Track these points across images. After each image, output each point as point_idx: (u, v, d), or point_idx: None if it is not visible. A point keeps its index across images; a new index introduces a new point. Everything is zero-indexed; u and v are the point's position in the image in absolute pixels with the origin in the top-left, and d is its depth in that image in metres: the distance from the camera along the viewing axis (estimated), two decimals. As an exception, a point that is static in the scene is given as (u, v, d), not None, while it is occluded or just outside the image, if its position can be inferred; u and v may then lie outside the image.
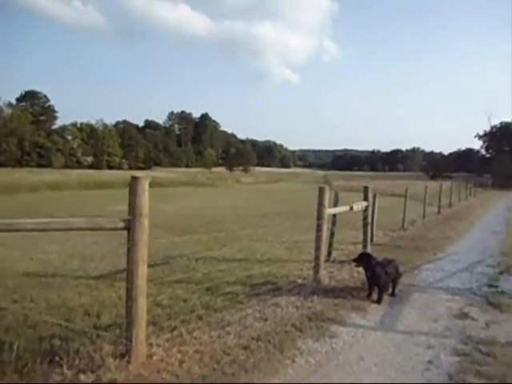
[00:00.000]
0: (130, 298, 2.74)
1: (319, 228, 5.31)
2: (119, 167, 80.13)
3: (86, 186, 29.27)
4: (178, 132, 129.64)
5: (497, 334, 3.86)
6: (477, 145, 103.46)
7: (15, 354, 2.78)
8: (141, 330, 2.79)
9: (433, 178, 67.69)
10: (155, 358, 2.87)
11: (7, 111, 71.49)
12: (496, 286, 5.59)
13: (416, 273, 6.26)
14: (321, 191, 5.36)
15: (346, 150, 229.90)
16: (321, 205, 5.31)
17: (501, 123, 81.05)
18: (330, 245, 6.98)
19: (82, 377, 2.55)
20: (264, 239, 9.03)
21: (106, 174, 43.84)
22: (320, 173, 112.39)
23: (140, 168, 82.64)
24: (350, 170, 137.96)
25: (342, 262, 6.52)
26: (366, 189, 7.13)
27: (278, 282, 5.23)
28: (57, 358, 2.71)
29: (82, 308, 4.19)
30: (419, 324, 4.09)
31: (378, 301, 4.67)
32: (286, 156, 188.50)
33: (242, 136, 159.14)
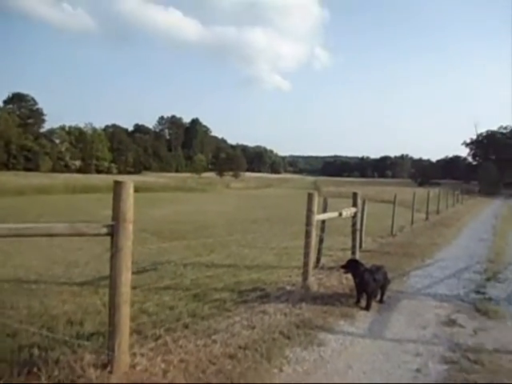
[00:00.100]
0: (112, 306, 2.65)
1: (308, 234, 5.28)
2: (108, 171, 79.38)
3: (73, 190, 28.85)
4: (168, 137, 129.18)
5: (484, 341, 3.86)
6: (464, 152, 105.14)
7: (-9, 365, 2.68)
8: (124, 339, 2.70)
9: (421, 184, 68.50)
10: (138, 367, 2.79)
11: (-6, 114, 70.41)
12: (483, 293, 5.62)
13: (404, 279, 6.26)
14: (310, 197, 5.33)
15: (336, 156, 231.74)
16: (310, 211, 5.29)
17: (487, 131, 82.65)
18: (319, 251, 6.95)
19: (61, 388, 2.46)
20: (253, 245, 8.97)
21: (94, 178, 43.39)
22: (310, 179, 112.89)
23: (129, 172, 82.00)
24: (340, 176, 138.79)
25: (330, 268, 6.49)
26: (355, 195, 7.14)
27: (266, 288, 5.17)
28: (35, 369, 2.60)
29: (65, 316, 4.07)
30: (407, 331, 4.07)
31: (367, 308, 4.64)
32: (276, 162, 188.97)
33: (232, 141, 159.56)
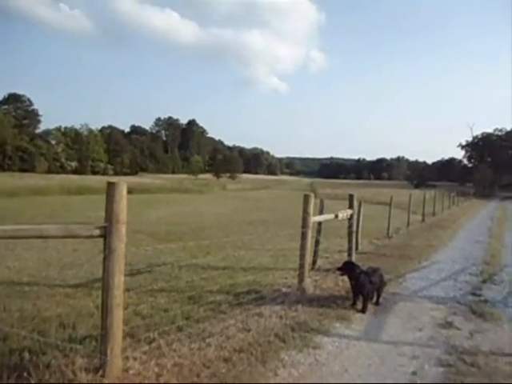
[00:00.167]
0: (105, 309, 2.61)
1: (304, 236, 5.25)
2: (104, 173, 79.08)
3: (68, 191, 28.70)
4: (164, 138, 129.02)
5: (480, 344, 3.85)
6: (459, 154, 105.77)
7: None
8: (116, 342, 2.66)
9: (417, 186, 68.78)
10: (131, 372, 2.74)
11: (-11, 114, 69.97)
12: (479, 295, 5.61)
13: (401, 281, 6.25)
14: (306, 199, 5.31)
15: (332, 158, 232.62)
16: (306, 213, 5.26)
17: (482, 134, 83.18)
18: (315, 253, 6.93)
19: (52, 393, 2.41)
20: (249, 247, 8.94)
21: (90, 180, 43.19)
22: (307, 180, 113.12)
23: (126, 174, 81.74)
24: (337, 178, 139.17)
25: (327, 270, 6.47)
26: (351, 197, 7.13)
27: (262, 290, 5.14)
28: (25, 373, 2.55)
29: (58, 318, 4.01)
30: (404, 334, 4.05)
31: (363, 310, 4.62)
32: (272, 163, 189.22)
33: (229, 143, 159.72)
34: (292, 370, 3.10)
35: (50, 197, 25.59)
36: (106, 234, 2.58)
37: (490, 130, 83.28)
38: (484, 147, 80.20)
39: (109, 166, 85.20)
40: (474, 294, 5.64)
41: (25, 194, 25.40)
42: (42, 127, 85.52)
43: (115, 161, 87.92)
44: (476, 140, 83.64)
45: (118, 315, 2.65)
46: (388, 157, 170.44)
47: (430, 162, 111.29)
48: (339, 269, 4.99)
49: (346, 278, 5.02)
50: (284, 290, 5.20)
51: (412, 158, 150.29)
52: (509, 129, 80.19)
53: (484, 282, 6.43)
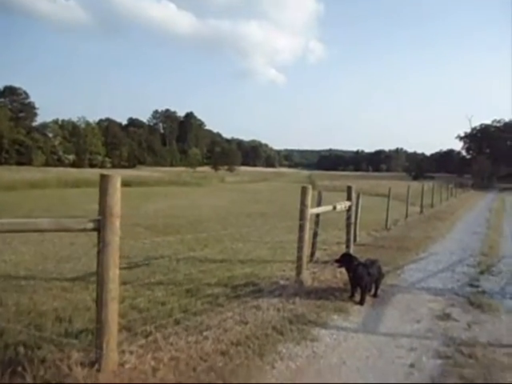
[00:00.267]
0: (100, 302, 2.58)
1: (301, 228, 5.23)
2: (102, 166, 78.76)
3: (65, 184, 28.56)
4: (162, 131, 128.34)
5: (478, 335, 3.85)
6: (458, 146, 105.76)
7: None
8: (112, 336, 2.63)
9: (415, 178, 68.80)
10: (127, 366, 2.72)
11: (-15, 107, 69.41)
12: (477, 286, 5.61)
13: (399, 273, 6.24)
14: (303, 191, 5.27)
15: (330, 150, 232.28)
16: (303, 205, 5.23)
17: (481, 125, 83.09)
18: (313, 245, 6.92)
19: (47, 388, 2.39)
20: (247, 239, 8.92)
21: (87, 173, 42.96)
22: (305, 173, 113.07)
23: (123, 167, 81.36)
24: (335, 170, 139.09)
25: (325, 262, 6.46)
26: (349, 188, 7.09)
27: (259, 283, 5.12)
28: (20, 368, 2.53)
29: (54, 312, 3.98)
30: (401, 325, 4.04)
31: (361, 302, 4.61)
32: (271, 156, 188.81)
33: (227, 135, 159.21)
34: (289, 362, 3.09)
35: (47, 190, 25.47)
36: (100, 227, 2.53)
37: (488, 122, 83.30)
38: (482, 138, 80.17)
39: (107, 158, 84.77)
40: (471, 286, 5.64)
41: (22, 187, 25.25)
42: (38, 120, 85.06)
43: (113, 154, 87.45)
44: (474, 131, 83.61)
45: (113, 309, 2.62)
46: (387, 148, 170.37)
47: (428, 153, 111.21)
48: (337, 261, 4.97)
49: (344, 269, 5.01)
50: (282, 282, 5.19)
51: (410, 150, 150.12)
52: (507, 120, 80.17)
53: (482, 273, 6.44)
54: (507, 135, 75.84)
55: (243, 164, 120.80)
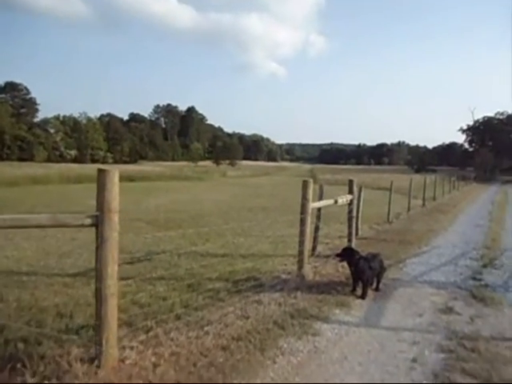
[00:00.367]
0: (99, 298, 2.56)
1: (303, 222, 5.19)
2: (104, 161, 78.75)
3: (67, 179, 28.58)
4: (163, 125, 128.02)
5: (481, 329, 3.82)
6: (460, 139, 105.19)
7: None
8: (112, 332, 2.62)
9: (417, 171, 68.59)
10: (128, 361, 2.71)
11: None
12: (480, 280, 5.58)
13: (401, 267, 6.21)
14: (304, 185, 5.23)
15: (332, 144, 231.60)
16: (304, 199, 5.19)
17: (484, 117, 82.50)
18: (315, 239, 6.89)
19: (46, 384, 2.37)
20: (249, 234, 8.90)
21: (89, 168, 42.96)
22: (307, 166, 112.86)
23: (125, 162, 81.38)
24: (337, 163, 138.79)
25: (327, 256, 6.43)
26: (350, 182, 7.05)
27: (261, 277, 5.11)
28: (19, 365, 2.52)
29: (55, 308, 3.98)
30: (404, 319, 4.02)
31: (363, 296, 4.59)
32: (272, 150, 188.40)
33: (228, 129, 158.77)
34: (291, 357, 3.07)
35: (49, 186, 25.51)
36: (98, 222, 2.51)
37: (491, 114, 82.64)
38: (485, 131, 79.59)
39: (108, 154, 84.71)
40: (474, 279, 5.61)
41: (24, 183, 25.29)
42: (40, 116, 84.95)
43: (115, 149, 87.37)
44: (477, 124, 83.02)
45: (112, 304, 2.61)
46: (388, 142, 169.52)
47: (430, 146, 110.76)
48: (338, 255, 4.94)
49: (345, 263, 4.98)
50: (283, 276, 5.17)
51: (413, 143, 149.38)
52: (510, 112, 79.54)
53: (485, 266, 6.40)
54: (510, 128, 75.28)
55: (245, 158, 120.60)
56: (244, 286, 4.63)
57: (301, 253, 5.21)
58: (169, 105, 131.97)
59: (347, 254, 4.83)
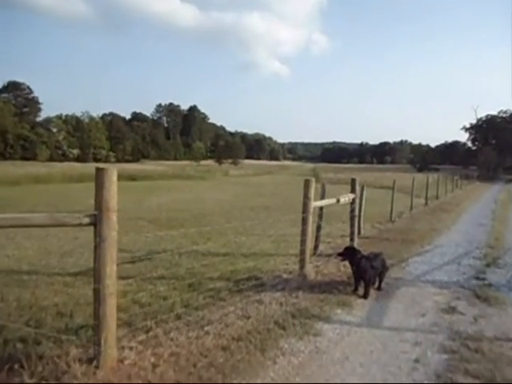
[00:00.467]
0: (97, 298, 2.53)
1: (305, 221, 5.16)
2: (106, 160, 78.84)
3: (70, 178, 28.63)
4: (166, 124, 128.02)
5: (485, 329, 3.78)
6: (463, 137, 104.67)
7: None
8: (110, 332, 2.59)
9: (420, 170, 68.35)
10: (127, 362, 2.68)
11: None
12: (483, 279, 5.53)
13: (403, 266, 6.17)
14: (306, 184, 5.19)
15: (334, 143, 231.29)
16: (306, 198, 5.16)
17: (487, 116, 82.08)
18: (317, 238, 6.85)
19: (44, 385, 2.35)
20: (251, 233, 8.87)
21: (91, 167, 42.93)
22: (309, 165, 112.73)
23: (127, 161, 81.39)
24: (339, 162, 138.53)
25: (329, 255, 6.39)
26: (353, 181, 7.00)
27: (262, 277, 5.07)
28: (17, 365, 2.49)
29: (56, 307, 3.97)
30: (406, 319, 3.98)
31: (365, 296, 4.55)
32: (275, 149, 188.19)
33: (231, 129, 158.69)
34: (292, 358, 3.04)
35: (51, 185, 25.56)
36: (96, 222, 2.48)
37: (494, 112, 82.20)
38: (488, 129, 79.14)
39: (111, 153, 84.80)
40: (477, 278, 5.56)
41: (26, 182, 25.37)
42: (42, 115, 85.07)
43: (117, 148, 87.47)
44: (480, 122, 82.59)
45: (111, 304, 2.58)
46: (391, 140, 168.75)
47: (433, 145, 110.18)
48: (340, 254, 4.91)
49: (347, 263, 4.94)
50: (285, 276, 5.13)
51: (415, 142, 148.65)
52: (513, 110, 79.03)
53: (488, 265, 6.35)
54: (514, 126, 74.90)
55: (247, 157, 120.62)
56: (245, 285, 4.60)
57: (302, 252, 5.18)
58: (171, 104, 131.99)
59: (349, 254, 4.79)
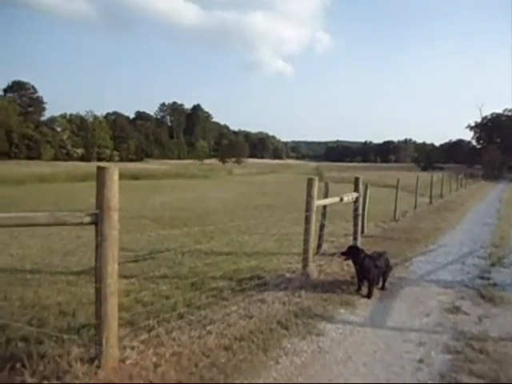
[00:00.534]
0: (98, 298, 2.52)
1: (308, 220, 5.14)
2: (110, 159, 79.14)
3: (74, 178, 28.73)
4: (169, 123, 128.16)
5: (489, 329, 3.74)
6: (468, 136, 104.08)
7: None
8: (112, 332, 2.58)
9: (424, 169, 68.00)
10: (128, 362, 2.67)
11: (-6, 102, 69.79)
12: (488, 278, 5.48)
13: (407, 265, 6.13)
14: (309, 182, 5.17)
15: (338, 142, 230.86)
16: (309, 196, 5.13)
17: (492, 114, 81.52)
18: (320, 237, 6.82)
19: (45, 384, 2.34)
20: (254, 231, 8.86)
21: (95, 167, 43.19)
22: (313, 164, 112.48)
23: (131, 160, 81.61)
24: (343, 161, 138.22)
25: (332, 254, 6.36)
26: (356, 180, 6.97)
27: (265, 276, 5.05)
28: (19, 365, 2.49)
29: (58, 306, 3.97)
30: (410, 319, 3.95)
31: (368, 295, 4.52)
32: (278, 148, 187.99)
33: (234, 127, 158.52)
34: (294, 358, 3.02)
35: (55, 184, 25.67)
36: (98, 221, 2.47)
37: (499, 111, 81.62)
38: (493, 128, 78.60)
39: (115, 152, 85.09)
40: (482, 278, 5.51)
41: (31, 181, 25.49)
42: (47, 114, 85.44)
43: (121, 147, 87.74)
44: (485, 121, 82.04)
45: (112, 304, 2.57)
46: (395, 139, 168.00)
47: (437, 144, 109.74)
48: (343, 253, 4.88)
49: (351, 262, 4.91)
50: (288, 275, 5.11)
51: (419, 140, 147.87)
52: (519, 108, 78.44)
53: (493, 265, 6.29)
54: (519, 124, 74.33)
55: (251, 156, 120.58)
56: (248, 284, 4.58)
57: (305, 251, 5.15)
58: (174, 103, 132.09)
59: (352, 253, 4.76)
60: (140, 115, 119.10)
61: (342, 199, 6.21)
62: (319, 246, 6.76)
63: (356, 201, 6.76)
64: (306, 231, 5.16)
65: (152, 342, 3.01)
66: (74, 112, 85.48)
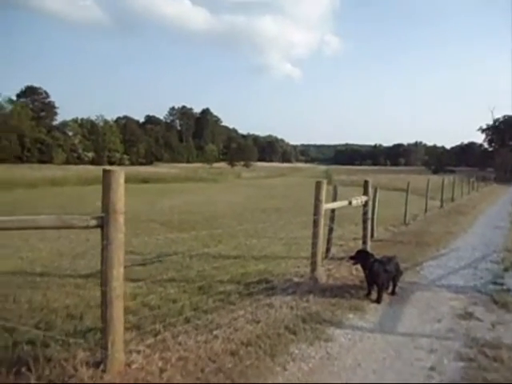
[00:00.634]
0: (104, 302, 2.51)
1: (316, 224, 5.08)
2: (120, 163, 79.81)
3: (85, 181, 29.02)
4: (179, 127, 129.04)
5: (503, 336, 3.64)
6: (479, 138, 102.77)
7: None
8: (117, 336, 2.56)
9: (435, 172, 67.32)
10: (134, 366, 2.65)
11: (7, 107, 70.97)
12: (501, 284, 5.36)
13: (418, 270, 6.03)
14: (317, 186, 5.12)
15: (347, 145, 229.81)
16: (317, 200, 5.08)
17: (504, 116, 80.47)
18: (329, 241, 6.75)
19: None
20: (262, 235, 8.81)
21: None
22: (322, 167, 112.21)
23: (141, 163, 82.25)
24: (352, 164, 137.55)
25: (341, 258, 6.29)
26: (366, 183, 6.89)
27: (273, 280, 5.00)
28: (24, 368, 2.48)
29: (66, 309, 3.97)
30: (421, 325, 3.86)
31: (378, 300, 4.44)
32: (287, 151, 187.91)
33: (243, 131, 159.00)
34: (302, 364, 2.97)
35: (66, 187, 25.96)
36: (103, 224, 2.46)
37: (511, 113, 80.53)
38: (505, 130, 77.55)
39: (125, 156, 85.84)
40: (495, 283, 5.38)
41: (43, 184, 25.82)
42: (58, 119, 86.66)
43: (131, 151, 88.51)
44: (497, 123, 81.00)
45: (118, 307, 2.56)
46: (405, 142, 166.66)
47: (448, 146, 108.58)
48: (352, 257, 4.81)
49: (360, 266, 4.84)
50: (296, 279, 5.06)
51: (430, 143, 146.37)
52: (532, 111, 77.29)
53: (506, 269, 6.15)
54: (532, 127, 73.23)
55: (259, 160, 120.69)
56: (255, 288, 4.54)
57: (314, 255, 5.09)
58: (184, 107, 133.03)
59: (361, 257, 4.69)
60: (150, 119, 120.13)
61: (350, 203, 6.14)
62: (328, 249, 6.69)
63: (365, 204, 6.68)
64: (315, 235, 5.11)
65: (158, 346, 2.98)
66: (85, 116, 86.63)
